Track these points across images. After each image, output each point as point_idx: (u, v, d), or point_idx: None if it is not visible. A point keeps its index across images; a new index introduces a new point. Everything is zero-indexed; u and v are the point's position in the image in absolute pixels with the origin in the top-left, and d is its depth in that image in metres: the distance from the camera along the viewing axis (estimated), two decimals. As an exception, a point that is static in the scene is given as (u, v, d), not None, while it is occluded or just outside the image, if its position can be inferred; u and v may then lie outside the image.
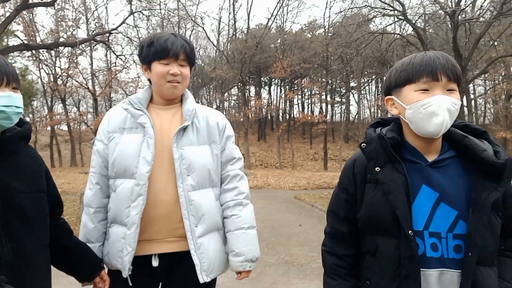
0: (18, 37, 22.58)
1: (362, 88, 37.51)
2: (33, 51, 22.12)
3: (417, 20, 12.36)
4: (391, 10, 11.69)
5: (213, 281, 1.64)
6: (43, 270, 1.31)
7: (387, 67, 22.18)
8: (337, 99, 38.31)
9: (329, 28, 26.78)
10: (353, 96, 37.21)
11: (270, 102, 37.31)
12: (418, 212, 1.10)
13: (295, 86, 37.15)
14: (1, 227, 1.17)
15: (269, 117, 40.87)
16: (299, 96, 39.86)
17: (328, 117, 34.68)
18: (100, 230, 1.62)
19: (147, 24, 24.62)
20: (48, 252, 1.34)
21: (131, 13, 15.06)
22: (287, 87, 37.32)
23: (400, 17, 11.45)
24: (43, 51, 23.52)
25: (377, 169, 1.14)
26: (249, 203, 1.68)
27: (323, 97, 34.04)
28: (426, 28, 13.36)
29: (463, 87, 11.13)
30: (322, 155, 29.35)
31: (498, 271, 1.11)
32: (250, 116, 29.45)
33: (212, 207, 1.60)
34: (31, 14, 23.19)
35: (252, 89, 40.37)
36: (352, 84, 35.55)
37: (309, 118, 29.61)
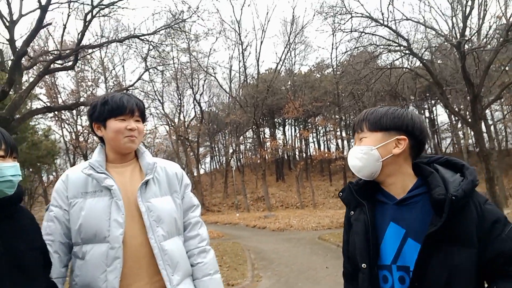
0: (42, 100, 23.89)
1: (376, 122, 37.33)
2: (56, 112, 23.24)
3: (423, 52, 12.52)
4: (396, 46, 11.92)
5: None
6: None
7: (399, 100, 22.19)
8: (353, 134, 38.20)
9: (337, 67, 27.34)
10: (369, 130, 37.04)
11: (285, 142, 37.45)
12: (388, 248, 1.20)
13: (309, 124, 37.35)
14: (8, 287, 1.22)
15: (286, 157, 40.84)
16: (314, 134, 39.96)
17: (345, 153, 34.30)
18: None
19: (161, 78, 25.79)
20: None
21: (146, 69, 15.83)
22: (301, 126, 37.58)
23: (405, 51, 11.62)
24: (64, 111, 24.66)
25: (351, 213, 1.31)
26: (210, 249, 1.75)
27: (338, 133, 34.00)
28: (434, 59, 13.47)
29: (479, 114, 10.96)
30: (343, 192, 28.77)
31: None
32: (266, 157, 29.48)
33: (183, 254, 1.64)
34: (53, 78, 24.68)
35: (267, 130, 40.83)
36: (366, 119, 35.51)
37: (326, 155, 29.43)
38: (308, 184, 31.21)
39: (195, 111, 33.66)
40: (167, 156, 35.75)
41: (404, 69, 15.14)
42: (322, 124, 33.39)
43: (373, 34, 12.13)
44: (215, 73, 29.35)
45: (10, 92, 10.98)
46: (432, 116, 37.65)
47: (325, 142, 40.36)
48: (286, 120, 38.46)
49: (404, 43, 11.48)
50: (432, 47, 12.62)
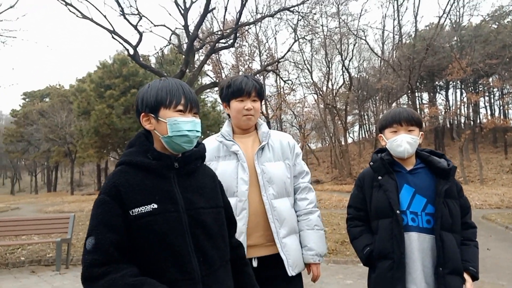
0: (209, 76, 27.57)
1: None
2: (220, 86, 26.47)
3: None
4: None
5: (300, 279, 1.89)
6: (226, 286, 1.32)
7: None
8: (542, 96, 30.78)
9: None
10: None
11: (447, 108, 33.13)
12: (403, 200, 1.82)
13: (480, 86, 31.87)
14: (191, 243, 1.21)
15: (447, 125, 36.28)
16: (486, 98, 34.00)
17: (530, 120, 28.15)
18: None
19: (310, 47, 26.04)
20: (230, 268, 1.36)
21: (296, 40, 16.36)
22: (469, 88, 32.41)
23: None
24: (227, 84, 27.80)
25: (380, 178, 1.89)
26: (317, 210, 2.00)
27: (521, 95, 27.97)
28: None
29: None
30: (523, 167, 23.99)
31: (461, 256, 1.79)
32: (424, 126, 26.84)
33: (290, 213, 1.91)
34: (217, 55, 28.02)
35: (425, 95, 36.88)
36: None
37: (502, 122, 24.84)
38: (474, 157, 27.21)
39: (343, 78, 33.07)
40: (315, 124, 36.57)
41: None
42: (497, 85, 27.97)
43: None
44: (365, 36, 27.88)
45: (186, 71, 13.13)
46: None
47: (501, 107, 33.90)
48: (450, 83, 33.76)
49: None
50: None
